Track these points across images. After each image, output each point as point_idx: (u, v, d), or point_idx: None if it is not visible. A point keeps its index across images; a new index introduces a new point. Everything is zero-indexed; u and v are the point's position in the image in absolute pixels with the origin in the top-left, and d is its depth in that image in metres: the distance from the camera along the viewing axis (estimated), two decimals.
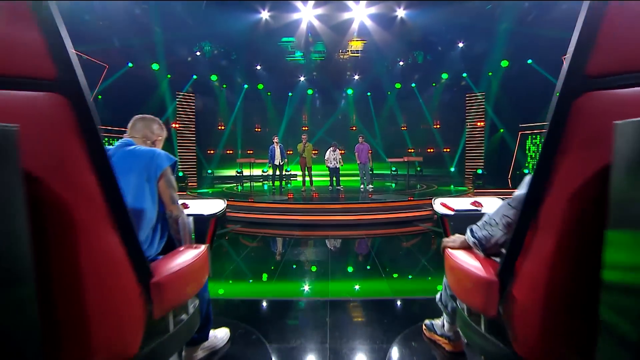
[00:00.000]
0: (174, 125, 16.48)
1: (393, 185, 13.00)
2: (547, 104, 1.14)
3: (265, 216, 7.04)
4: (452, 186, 11.36)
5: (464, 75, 15.49)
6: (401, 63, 15.35)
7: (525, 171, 10.98)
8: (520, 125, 15.12)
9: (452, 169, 16.95)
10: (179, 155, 16.39)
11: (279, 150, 10.59)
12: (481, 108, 16.24)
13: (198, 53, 13.61)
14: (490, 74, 14.75)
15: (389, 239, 6.24)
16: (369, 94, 18.82)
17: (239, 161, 10.66)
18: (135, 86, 14.38)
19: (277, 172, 10.88)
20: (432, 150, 18.09)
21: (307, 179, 10.53)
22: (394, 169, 17.26)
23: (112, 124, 13.90)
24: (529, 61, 12.97)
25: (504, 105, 14.98)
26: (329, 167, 10.91)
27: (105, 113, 13.60)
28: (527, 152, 15.08)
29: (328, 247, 5.55)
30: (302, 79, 17.53)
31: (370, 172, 11.14)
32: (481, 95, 16.10)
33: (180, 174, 10.78)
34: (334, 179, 10.85)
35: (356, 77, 17.40)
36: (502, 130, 15.98)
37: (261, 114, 18.80)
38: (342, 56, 17.48)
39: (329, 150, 10.97)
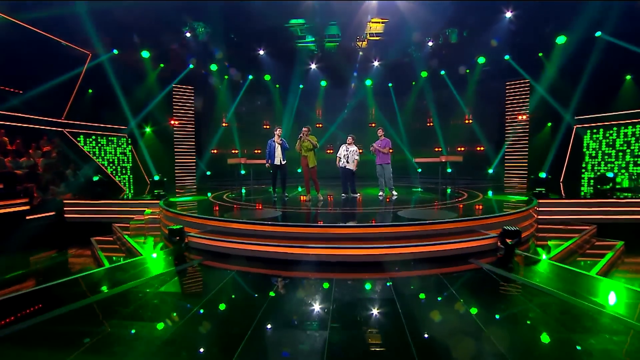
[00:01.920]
0: (172, 121, 14.42)
1: (418, 190, 10.39)
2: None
3: (236, 245, 4.62)
4: (509, 196, 8.62)
5: (507, 57, 12.59)
6: (430, 44, 12.60)
7: (610, 174, 8.10)
8: (575, 118, 12.13)
9: (491, 171, 14.07)
10: (176, 156, 14.33)
11: (280, 146, 8.18)
12: (525, 98, 13.30)
13: (188, 34, 11.36)
14: (540, 54, 11.81)
15: (429, 287, 3.71)
16: (390, 84, 16.14)
17: (230, 162, 8.29)
18: (122, 76, 12.37)
19: (279, 175, 8.49)
20: (463, 148, 15.26)
21: (311, 185, 8.01)
22: (419, 170, 14.58)
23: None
24: (598, 34, 9.99)
25: (556, 93, 12.02)
26: (339, 167, 8.44)
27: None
28: (585, 150, 12.07)
29: (328, 308, 3.08)
30: (313, 66, 15.05)
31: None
32: (525, 83, 13.17)
33: (157, 177, 8.62)
34: (349, 184, 8.37)
35: (376, 64, 14.77)
36: (549, 124, 13.03)
37: (269, 109, 16.46)
38: (359, 44, 14.94)
39: (343, 145, 8.47)
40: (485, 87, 14.05)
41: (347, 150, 8.30)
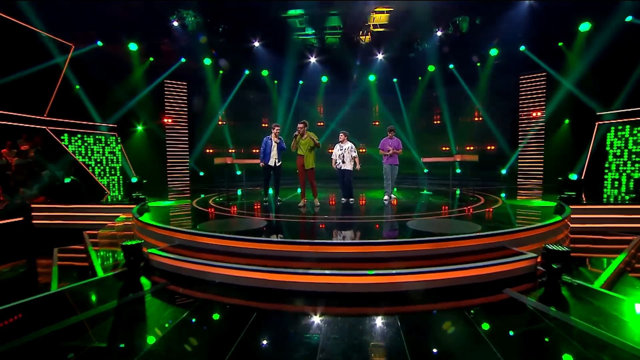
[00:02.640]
0: (166, 119, 13.52)
1: (426, 192, 9.33)
2: None
3: (206, 268, 3.64)
4: (531, 201, 7.57)
5: (522, 48, 11.47)
6: (439, 33, 11.51)
7: None
8: (597, 114, 11.01)
9: (504, 172, 12.98)
10: (169, 156, 13.41)
11: (277, 145, 7.25)
12: (541, 93, 12.20)
13: (175, 23, 10.39)
14: (560, 44, 10.70)
15: (452, 332, 2.70)
16: (395, 80, 15.08)
17: (216, 161, 7.33)
18: (108, 70, 11.47)
19: (272, 177, 7.51)
20: (472, 147, 14.18)
21: (308, 189, 6.99)
22: (426, 170, 13.53)
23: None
24: (629, 18, 8.87)
25: (576, 86, 10.90)
26: (335, 169, 7.45)
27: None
28: (608, 149, 10.95)
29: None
30: (312, 60, 14.03)
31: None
32: (541, 77, 12.07)
33: (135, 179, 7.67)
34: (347, 187, 7.36)
35: (380, 57, 13.72)
36: (567, 121, 11.92)
37: (266, 106, 15.45)
38: (362, 38, 13.92)
39: (337, 145, 7.48)
40: (498, 82, 12.94)
41: (341, 149, 7.29)
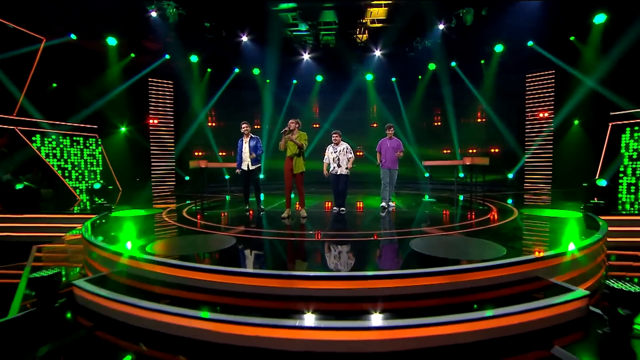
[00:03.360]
0: (152, 120, 12.55)
1: (429, 200, 8.37)
2: None
3: (144, 314, 2.65)
4: (548, 210, 6.59)
5: (530, 44, 10.55)
6: (441, 27, 10.59)
7: None
8: (611, 114, 10.08)
9: (511, 176, 12.03)
10: (153, 159, 12.43)
11: (247, 145, 6.28)
12: (549, 91, 11.28)
13: (154, 14, 9.43)
14: (572, 38, 9.79)
15: None
16: (394, 79, 14.16)
17: (192, 165, 6.34)
18: (85, 66, 10.53)
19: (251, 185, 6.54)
20: (474, 150, 13.25)
21: (297, 196, 5.99)
22: (427, 174, 12.56)
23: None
24: None
25: (589, 84, 9.98)
26: (329, 174, 6.50)
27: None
28: (624, 151, 10.01)
29: None
30: (306, 57, 13.09)
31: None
32: (549, 75, 11.15)
33: (98, 185, 6.69)
34: (341, 194, 6.40)
35: (377, 54, 12.79)
36: (577, 121, 10.99)
37: (257, 107, 14.48)
38: (360, 37, 13.02)
39: (329, 146, 6.54)
40: (503, 80, 12.01)
41: (336, 151, 6.34)
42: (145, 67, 11.74)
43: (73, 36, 9.88)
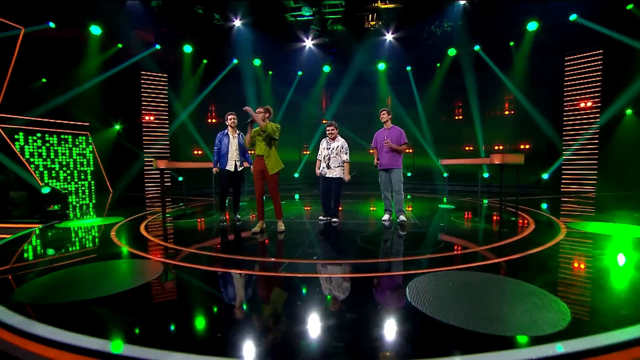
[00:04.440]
0: (146, 117, 11.58)
1: (444, 204, 6.83)
2: None
3: None
4: (613, 225, 4.94)
5: (573, 17, 8.72)
6: (462, 1, 8.94)
7: None
8: None
9: (546, 176, 10.21)
10: (147, 159, 11.44)
11: (236, 141, 5.08)
12: (594, 75, 9.38)
13: None
14: (630, 7, 7.90)
15: None
16: (409, 68, 12.56)
17: (158, 165, 5.11)
18: (68, 58, 9.63)
19: (232, 188, 5.30)
20: (501, 147, 11.48)
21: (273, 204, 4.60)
22: (445, 174, 10.94)
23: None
24: None
25: None
26: (319, 174, 5.15)
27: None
28: None
29: None
30: (310, 45, 11.72)
31: (403, 188, 5.06)
32: (595, 55, 9.25)
33: (47, 189, 5.63)
34: (332, 200, 5.04)
35: (389, 38, 11.25)
36: (629, 110, 9.07)
37: (258, 101, 13.25)
38: (372, 24, 11.55)
39: (323, 141, 5.18)
40: (537, 65, 10.20)
41: (328, 148, 4.99)
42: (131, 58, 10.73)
43: (52, 24, 8.96)
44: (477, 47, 10.78)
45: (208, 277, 2.75)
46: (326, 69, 12.73)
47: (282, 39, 10.67)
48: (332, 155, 4.93)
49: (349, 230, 4.52)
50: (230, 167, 5.09)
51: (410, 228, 4.50)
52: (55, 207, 5.41)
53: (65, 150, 10.38)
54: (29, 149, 9.61)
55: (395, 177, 4.81)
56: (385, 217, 5.09)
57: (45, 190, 5.73)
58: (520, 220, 4.90)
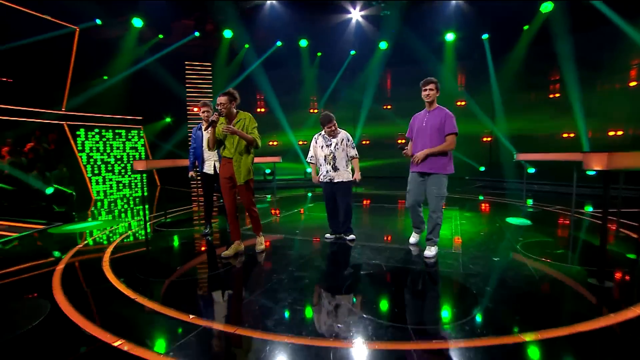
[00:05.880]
0: (195, 109, 11.49)
1: (516, 219, 4.84)
2: None
3: None
4: None
5: None
6: None
7: None
8: None
9: None
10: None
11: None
12: None
13: None
14: None
15: None
16: (485, 36, 10.06)
17: (135, 167, 4.38)
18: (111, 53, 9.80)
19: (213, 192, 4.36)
20: (620, 132, 8.46)
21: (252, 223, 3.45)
22: (531, 170, 8.53)
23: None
24: None
25: None
26: (318, 182, 3.83)
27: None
28: None
29: None
30: (358, 18, 10.08)
31: (441, 196, 3.20)
32: None
33: (51, 190, 5.34)
34: (342, 212, 3.75)
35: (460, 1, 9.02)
36: None
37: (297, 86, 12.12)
38: None
39: (319, 136, 3.82)
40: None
41: (329, 146, 3.66)
42: (184, 49, 10.55)
43: (98, 21, 9.11)
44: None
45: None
46: (382, 45, 10.98)
47: (323, 11, 9.31)
48: (337, 153, 3.62)
49: (357, 262, 3.16)
50: (208, 169, 4.12)
51: (442, 266, 2.95)
52: (57, 208, 5.18)
53: (119, 144, 10.78)
54: (88, 144, 10.15)
55: (433, 188, 3.09)
56: (413, 239, 3.60)
57: (49, 190, 5.58)
58: None
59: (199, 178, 4.28)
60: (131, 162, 10.87)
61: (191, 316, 2.09)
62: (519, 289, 2.42)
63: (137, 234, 4.47)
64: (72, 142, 9.75)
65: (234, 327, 1.96)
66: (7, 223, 5.28)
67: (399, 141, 11.92)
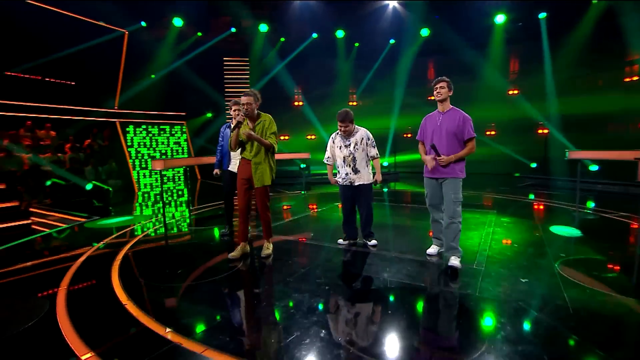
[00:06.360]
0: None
1: (566, 230, 4.11)
2: None
3: None
4: None
5: None
6: None
7: None
8: None
9: None
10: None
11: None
12: None
13: None
14: None
15: None
16: (543, 14, 8.88)
17: (170, 165, 4.46)
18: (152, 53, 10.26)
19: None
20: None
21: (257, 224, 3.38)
22: (594, 168, 7.50)
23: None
24: None
25: None
26: (336, 183, 3.58)
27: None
28: None
29: None
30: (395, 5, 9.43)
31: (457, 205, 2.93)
32: None
33: (90, 185, 5.64)
34: (364, 217, 3.50)
35: None
36: None
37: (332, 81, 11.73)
38: None
39: (336, 136, 3.55)
40: None
41: (347, 146, 3.39)
42: (223, 44, 10.78)
43: (143, 23, 9.60)
44: None
45: None
46: (424, 32, 10.24)
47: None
48: (357, 154, 3.36)
49: (362, 275, 2.91)
50: (233, 167, 4.06)
51: (454, 285, 2.57)
52: (96, 203, 5.54)
53: (163, 139, 11.38)
54: (136, 139, 10.84)
55: (450, 193, 2.81)
56: (432, 250, 3.23)
57: (89, 186, 5.98)
58: None
59: (218, 174, 4.24)
60: (175, 157, 11.43)
61: (167, 330, 2.00)
62: (544, 326, 1.98)
63: (157, 231, 4.60)
64: (122, 138, 10.46)
65: (203, 346, 1.83)
66: (59, 215, 5.79)
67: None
